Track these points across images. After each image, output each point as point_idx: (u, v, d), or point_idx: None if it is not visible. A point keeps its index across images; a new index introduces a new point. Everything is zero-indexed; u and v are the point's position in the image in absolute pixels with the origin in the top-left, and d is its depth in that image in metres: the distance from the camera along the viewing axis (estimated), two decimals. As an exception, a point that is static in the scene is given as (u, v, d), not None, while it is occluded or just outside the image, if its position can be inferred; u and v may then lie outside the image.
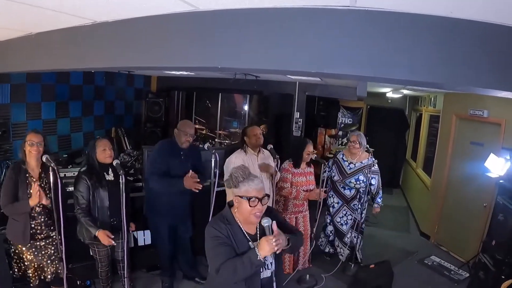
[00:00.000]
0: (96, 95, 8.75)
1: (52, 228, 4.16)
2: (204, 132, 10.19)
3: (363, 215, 6.32)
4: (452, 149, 7.61)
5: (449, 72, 1.84)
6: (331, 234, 6.52)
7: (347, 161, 6.15)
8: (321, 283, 5.86)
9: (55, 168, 3.88)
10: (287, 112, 8.72)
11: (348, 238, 6.32)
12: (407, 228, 9.00)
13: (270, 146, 5.38)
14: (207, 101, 10.69)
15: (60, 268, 4.33)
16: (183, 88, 10.13)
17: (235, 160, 5.25)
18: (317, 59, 1.95)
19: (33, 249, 4.24)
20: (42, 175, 4.23)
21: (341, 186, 6.17)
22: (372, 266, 5.76)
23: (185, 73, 7.81)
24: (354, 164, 6.08)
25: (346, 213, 6.23)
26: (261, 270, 3.01)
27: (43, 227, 4.24)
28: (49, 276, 4.36)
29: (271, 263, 3.07)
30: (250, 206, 2.84)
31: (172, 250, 5.46)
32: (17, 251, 4.25)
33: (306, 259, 6.10)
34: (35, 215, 4.19)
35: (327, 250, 6.65)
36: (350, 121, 12.73)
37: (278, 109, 9.74)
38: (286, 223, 3.41)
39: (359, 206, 6.21)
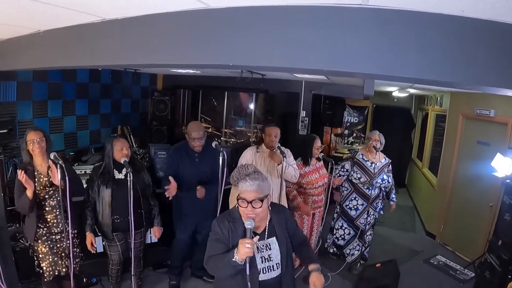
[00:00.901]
0: (103, 93, 8.76)
1: (67, 222, 4.19)
2: (210, 130, 10.16)
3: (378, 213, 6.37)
4: (459, 149, 7.60)
5: (459, 70, 1.84)
6: (340, 239, 6.46)
7: (368, 161, 6.13)
8: (327, 282, 5.84)
9: (63, 165, 3.90)
10: (293, 111, 8.71)
11: (367, 236, 6.34)
12: (413, 228, 9.02)
13: (277, 144, 5.39)
14: (213, 100, 10.67)
15: (74, 263, 4.40)
16: (189, 86, 10.13)
17: (245, 154, 5.30)
18: (328, 57, 1.96)
19: (48, 242, 4.31)
20: (50, 170, 4.24)
21: (366, 187, 6.13)
22: (378, 265, 5.77)
23: (191, 71, 7.80)
24: (376, 164, 6.06)
25: (370, 213, 6.22)
26: (264, 272, 3.02)
27: (58, 220, 4.30)
28: (64, 270, 4.39)
29: (277, 264, 3.07)
30: (240, 206, 2.90)
31: (186, 249, 5.49)
32: (32, 244, 4.32)
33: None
34: (49, 208, 4.26)
35: (331, 251, 6.64)
36: (356, 120, 12.72)
37: (284, 108, 9.72)
38: (296, 231, 3.43)
39: (381, 204, 6.26)
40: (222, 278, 3.04)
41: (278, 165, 5.09)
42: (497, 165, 5.80)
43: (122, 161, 4.40)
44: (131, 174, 4.09)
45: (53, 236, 4.33)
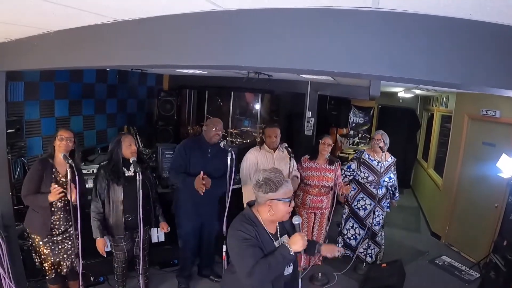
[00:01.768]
0: (109, 94, 8.82)
1: (70, 223, 4.25)
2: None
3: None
4: (464, 149, 7.61)
5: (467, 72, 1.86)
6: (352, 238, 6.49)
7: (375, 160, 6.17)
8: (333, 281, 5.90)
9: (73, 165, 3.96)
10: (299, 111, 8.72)
11: (379, 237, 6.39)
12: (418, 228, 9.03)
13: (285, 145, 5.41)
14: (219, 100, 10.71)
15: (75, 262, 4.41)
16: (195, 86, 10.17)
17: (249, 156, 5.33)
18: (339, 59, 1.98)
19: (50, 244, 4.34)
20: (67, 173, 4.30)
21: (373, 186, 6.17)
22: (384, 265, 5.79)
23: (197, 71, 7.83)
24: (383, 163, 6.09)
25: (379, 213, 6.27)
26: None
27: (61, 222, 4.35)
28: (64, 270, 4.47)
29: (290, 259, 3.12)
30: (289, 206, 2.94)
31: (195, 250, 5.50)
32: (34, 244, 4.35)
33: (317, 258, 6.12)
34: (55, 209, 4.29)
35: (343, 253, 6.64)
36: (361, 120, 12.72)
37: (289, 108, 9.76)
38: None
39: (388, 203, 6.31)
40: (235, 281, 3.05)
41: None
42: (503, 166, 5.81)
43: (131, 161, 4.42)
44: (140, 173, 4.12)
45: (55, 238, 4.37)
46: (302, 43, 2.06)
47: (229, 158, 4.54)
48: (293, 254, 2.84)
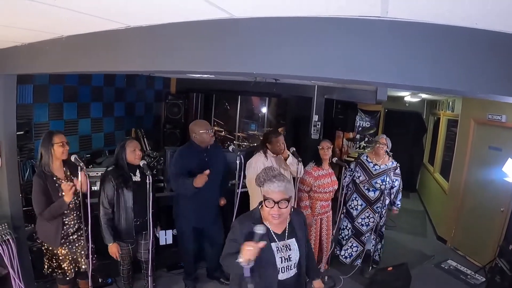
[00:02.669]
0: (117, 97, 8.89)
1: (82, 220, 4.23)
2: (222, 134, 10.25)
3: (383, 218, 6.38)
4: (470, 154, 7.60)
5: (473, 80, 1.89)
6: (346, 237, 6.55)
7: (372, 162, 6.21)
8: (339, 285, 5.92)
9: (84, 167, 4.00)
10: (306, 115, 8.72)
11: (365, 237, 6.40)
12: (424, 232, 9.02)
13: (292, 149, 5.44)
14: (226, 103, 10.75)
15: (86, 263, 4.43)
16: (202, 90, 10.21)
17: (255, 164, 5.31)
18: (348, 67, 2.02)
19: (67, 243, 4.35)
20: (68, 173, 4.36)
21: (366, 187, 6.22)
22: (390, 268, 5.80)
23: (204, 75, 7.88)
24: (379, 166, 6.15)
25: (369, 215, 6.30)
26: (283, 271, 3.09)
27: (75, 222, 4.37)
28: (84, 266, 4.47)
29: (295, 263, 3.14)
30: (266, 206, 2.93)
31: (196, 253, 5.50)
32: (50, 248, 4.35)
33: (325, 261, 6.15)
34: (67, 211, 4.30)
35: (336, 252, 6.69)
36: (368, 124, 12.70)
37: (296, 112, 9.76)
38: (310, 251, 3.57)
39: (382, 208, 6.27)
40: (236, 280, 3.11)
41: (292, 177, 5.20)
42: (509, 170, 5.82)
43: (141, 164, 4.46)
44: (150, 176, 4.16)
45: (70, 237, 4.38)
46: (312, 51, 2.10)
47: (237, 162, 4.58)
48: (238, 262, 2.74)
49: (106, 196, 4.53)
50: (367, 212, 6.29)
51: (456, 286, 6.21)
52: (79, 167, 4.03)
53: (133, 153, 4.57)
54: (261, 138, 5.96)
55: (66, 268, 4.40)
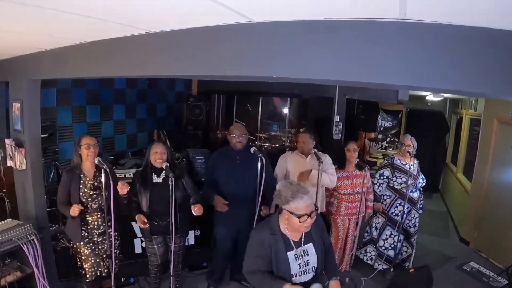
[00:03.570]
0: (139, 98, 8.98)
1: (109, 223, 4.31)
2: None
3: (416, 227, 6.41)
4: (493, 153, 7.50)
5: (493, 82, 1.86)
6: (390, 248, 6.34)
7: (407, 164, 6.14)
8: (361, 286, 5.89)
9: (108, 169, 4.08)
10: (327, 115, 8.70)
11: (414, 239, 6.40)
12: (447, 233, 8.93)
13: (314, 150, 5.44)
14: (248, 105, 10.76)
15: (109, 264, 4.49)
16: (223, 91, 10.23)
17: (280, 160, 5.40)
18: (368, 70, 2.01)
19: (90, 244, 4.47)
20: (97, 174, 4.47)
21: (410, 189, 6.12)
22: (411, 270, 5.75)
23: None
24: (413, 166, 6.12)
25: (414, 215, 6.26)
26: (300, 275, 3.11)
27: (100, 223, 4.48)
28: (105, 271, 4.57)
29: (313, 267, 3.16)
30: (300, 222, 2.92)
31: (227, 255, 5.50)
32: (75, 245, 4.51)
33: (347, 262, 6.14)
34: (91, 211, 4.44)
35: (369, 262, 6.63)
36: (390, 124, 12.57)
37: (318, 112, 9.72)
38: (330, 250, 3.54)
39: (421, 204, 6.32)
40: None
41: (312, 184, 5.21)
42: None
43: (164, 167, 4.53)
44: (172, 178, 4.20)
45: (95, 238, 4.49)
46: (331, 54, 2.10)
47: (259, 164, 4.59)
48: None
49: (133, 194, 4.66)
50: (413, 213, 6.24)
51: (479, 289, 6.15)
52: (102, 170, 4.11)
53: (153, 155, 4.67)
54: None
55: (87, 269, 4.51)
